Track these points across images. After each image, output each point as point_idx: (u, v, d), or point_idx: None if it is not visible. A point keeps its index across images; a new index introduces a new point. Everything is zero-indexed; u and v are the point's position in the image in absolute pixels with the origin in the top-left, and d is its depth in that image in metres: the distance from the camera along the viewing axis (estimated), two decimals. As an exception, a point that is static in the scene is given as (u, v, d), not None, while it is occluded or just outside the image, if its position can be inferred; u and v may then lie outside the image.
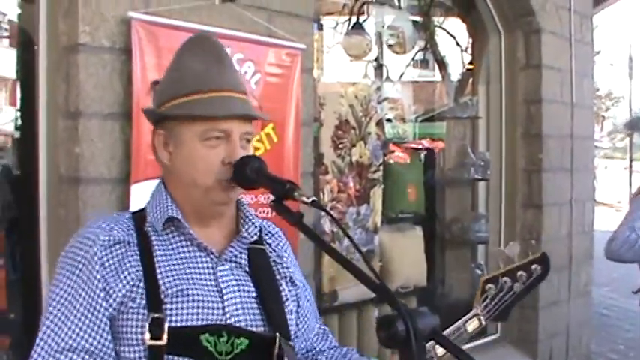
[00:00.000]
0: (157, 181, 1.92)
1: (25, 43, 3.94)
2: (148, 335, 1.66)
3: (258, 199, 3.71)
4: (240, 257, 1.87)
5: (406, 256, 5.67)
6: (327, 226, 4.77)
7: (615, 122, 43.77)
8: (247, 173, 1.74)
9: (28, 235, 3.34)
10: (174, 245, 1.81)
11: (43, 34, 3.33)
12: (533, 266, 2.23)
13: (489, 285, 2.17)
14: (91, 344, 1.67)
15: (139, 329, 1.68)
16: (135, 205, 3.11)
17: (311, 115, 4.37)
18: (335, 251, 1.68)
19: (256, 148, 3.71)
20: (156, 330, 1.66)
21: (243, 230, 1.88)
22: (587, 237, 6.92)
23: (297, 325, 1.98)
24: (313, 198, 1.68)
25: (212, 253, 1.82)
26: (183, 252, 1.80)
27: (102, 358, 1.67)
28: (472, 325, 2.09)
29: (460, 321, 2.08)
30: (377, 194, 5.29)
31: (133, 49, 3.26)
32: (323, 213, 4.62)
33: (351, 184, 5.06)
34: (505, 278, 2.18)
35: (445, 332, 2.02)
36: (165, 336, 1.66)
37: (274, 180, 1.75)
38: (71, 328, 1.67)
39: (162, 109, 1.83)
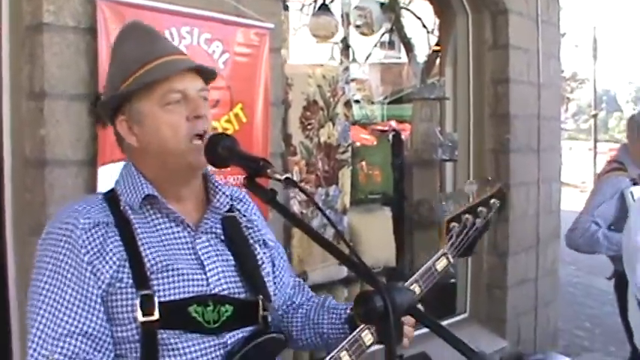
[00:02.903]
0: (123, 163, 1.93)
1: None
2: (139, 313, 1.69)
3: (227, 180, 3.68)
4: (216, 228, 1.92)
5: (375, 237, 5.70)
6: (295, 207, 4.75)
7: (580, 104, 44.20)
8: (219, 151, 1.76)
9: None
10: (153, 222, 1.84)
11: (5, 14, 3.25)
12: (492, 201, 2.32)
13: (453, 224, 2.24)
14: (89, 326, 1.69)
15: (130, 308, 1.71)
16: (102, 187, 3.08)
17: (279, 95, 4.35)
18: (310, 228, 1.67)
19: (225, 129, 3.68)
20: (147, 307, 1.70)
21: (215, 200, 1.93)
22: (554, 216, 6.97)
23: (274, 284, 2.08)
24: (287, 175, 1.69)
25: (189, 227, 1.86)
26: (162, 228, 1.84)
27: (100, 339, 1.70)
28: (441, 264, 2.17)
29: (429, 262, 2.15)
30: (345, 175, 5.29)
31: (99, 29, 3.21)
32: (292, 195, 4.62)
33: (320, 165, 5.05)
34: (467, 215, 2.26)
35: (417, 273, 2.12)
36: (156, 311, 1.70)
37: (247, 157, 1.75)
38: (66, 313, 1.69)
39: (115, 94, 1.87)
